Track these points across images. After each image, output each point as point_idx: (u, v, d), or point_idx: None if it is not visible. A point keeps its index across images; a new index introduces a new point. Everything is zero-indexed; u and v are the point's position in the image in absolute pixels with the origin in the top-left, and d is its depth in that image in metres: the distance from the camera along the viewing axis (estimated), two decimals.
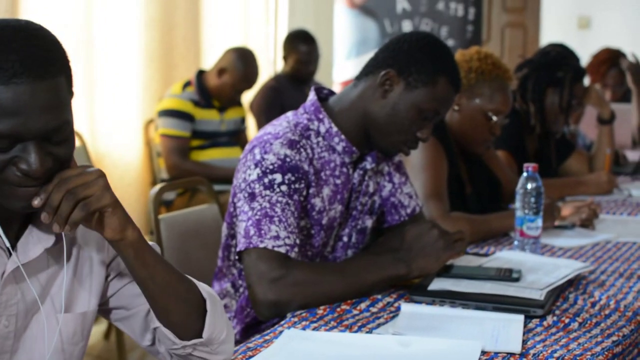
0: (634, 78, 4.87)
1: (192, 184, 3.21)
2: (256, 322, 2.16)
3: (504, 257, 2.31)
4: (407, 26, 7.07)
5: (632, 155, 4.48)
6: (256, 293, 1.98)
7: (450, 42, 6.09)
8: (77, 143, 4.24)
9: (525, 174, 2.41)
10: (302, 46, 5.24)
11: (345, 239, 2.27)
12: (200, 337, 1.46)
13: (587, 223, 2.84)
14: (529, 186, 2.39)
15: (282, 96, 5.11)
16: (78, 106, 4.38)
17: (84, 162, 4.18)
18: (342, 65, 7.11)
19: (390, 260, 2.06)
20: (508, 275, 2.09)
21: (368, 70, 2.19)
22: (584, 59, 5.21)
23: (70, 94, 1.33)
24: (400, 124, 2.14)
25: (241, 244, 2.03)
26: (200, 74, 4.58)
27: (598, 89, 3.75)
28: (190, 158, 4.43)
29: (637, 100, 4.91)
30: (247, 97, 5.14)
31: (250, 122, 5.24)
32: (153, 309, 1.46)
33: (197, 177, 3.08)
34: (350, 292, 2.00)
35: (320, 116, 2.17)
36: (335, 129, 2.17)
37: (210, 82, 4.54)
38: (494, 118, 2.80)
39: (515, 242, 2.44)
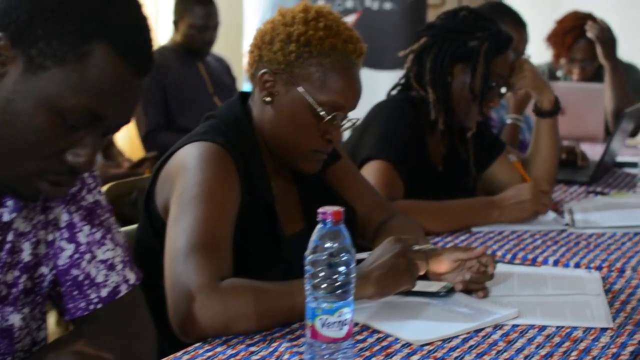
0: (605, 50, 3.74)
1: None
2: None
3: None
4: None
5: (596, 152, 3.32)
6: None
7: (387, 6, 4.86)
8: None
9: (320, 226, 1.33)
10: (197, 8, 4.26)
11: None
12: None
13: (476, 287, 1.75)
14: (327, 248, 1.31)
15: (166, 74, 4.17)
16: None
17: None
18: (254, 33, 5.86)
19: None
20: None
21: None
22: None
23: None
24: (25, 140, 1.12)
25: None
26: None
27: (530, 61, 2.59)
28: None
29: (611, 78, 3.79)
30: None
31: None
32: None
33: None
34: None
35: None
36: None
37: None
38: (327, 117, 1.73)
39: (307, 357, 1.35)
